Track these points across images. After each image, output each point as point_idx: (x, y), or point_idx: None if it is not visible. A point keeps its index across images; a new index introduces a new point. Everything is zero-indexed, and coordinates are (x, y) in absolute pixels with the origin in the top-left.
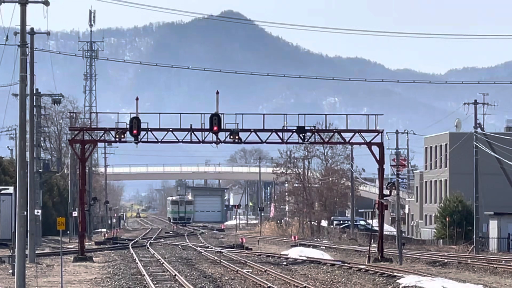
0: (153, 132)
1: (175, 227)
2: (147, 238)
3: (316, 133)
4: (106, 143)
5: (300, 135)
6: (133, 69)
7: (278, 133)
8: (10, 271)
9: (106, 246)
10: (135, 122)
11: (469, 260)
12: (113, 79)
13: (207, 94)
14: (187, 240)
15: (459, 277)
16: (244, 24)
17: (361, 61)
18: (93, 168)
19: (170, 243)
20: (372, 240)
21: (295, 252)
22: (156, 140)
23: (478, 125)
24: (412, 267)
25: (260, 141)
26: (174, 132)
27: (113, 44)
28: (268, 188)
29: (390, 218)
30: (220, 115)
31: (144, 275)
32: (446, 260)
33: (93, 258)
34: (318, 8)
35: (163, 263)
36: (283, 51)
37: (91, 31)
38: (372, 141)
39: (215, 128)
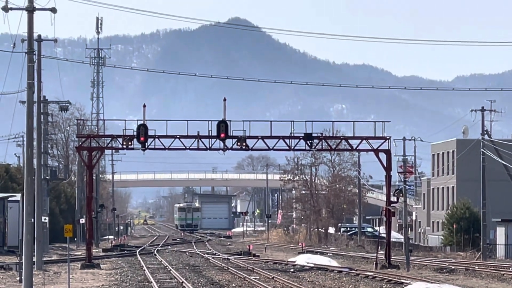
0: (160, 139)
1: (182, 234)
2: (155, 245)
3: (323, 140)
4: (114, 150)
5: (307, 142)
6: (140, 76)
7: (285, 140)
8: (18, 278)
9: (114, 253)
10: (142, 129)
11: (477, 267)
12: (120, 86)
13: (214, 101)
14: (195, 247)
15: (466, 283)
16: (251, 31)
17: (368, 68)
18: (100, 175)
19: (177, 250)
20: (379, 247)
21: (303, 259)
22: (163, 147)
23: (485, 132)
24: (419, 274)
25: (267, 148)
26: (181, 139)
27: (120, 51)
28: (275, 195)
29: (397, 225)
30: (227, 122)
31: (151, 282)
32: (453, 267)
33: (101, 265)
34: (325, 15)
35: (170, 270)
36: (290, 57)
37: (98, 38)
38: (379, 148)
39: (222, 135)
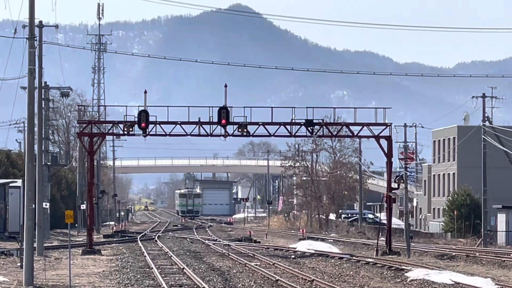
0: (161, 125)
1: (183, 220)
2: (155, 231)
3: (324, 126)
4: (115, 136)
5: (308, 128)
6: (142, 62)
7: (287, 126)
8: (19, 264)
9: (114, 239)
10: (143, 115)
11: (477, 254)
12: (121, 72)
13: (216, 87)
14: (195, 233)
15: (467, 270)
16: (252, 18)
17: (369, 55)
18: (101, 161)
19: (178, 236)
20: (380, 234)
21: (303, 246)
22: (164, 133)
23: (486, 119)
24: (420, 260)
25: (268, 134)
26: (182, 125)
27: (121, 37)
28: (276, 181)
29: (398, 211)
30: (229, 108)
31: (152, 268)
32: (454, 254)
33: (101, 251)
34: (326, 1)
35: (171, 256)
36: (292, 44)
37: (99, 24)
38: (380, 135)
39: (223, 121)
